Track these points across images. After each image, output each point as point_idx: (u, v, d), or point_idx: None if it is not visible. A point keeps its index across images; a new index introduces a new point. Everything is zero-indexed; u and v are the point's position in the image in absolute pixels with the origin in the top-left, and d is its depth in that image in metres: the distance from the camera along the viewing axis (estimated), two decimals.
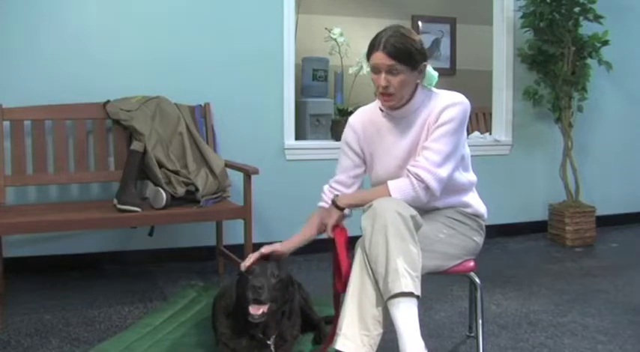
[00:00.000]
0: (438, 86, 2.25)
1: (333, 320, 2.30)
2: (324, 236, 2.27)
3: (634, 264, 3.82)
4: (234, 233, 3.53)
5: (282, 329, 2.14)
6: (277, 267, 2.10)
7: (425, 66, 2.12)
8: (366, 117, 2.27)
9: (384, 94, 2.09)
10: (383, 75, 2.05)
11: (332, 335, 2.21)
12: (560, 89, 4.24)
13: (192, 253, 3.75)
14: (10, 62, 3.34)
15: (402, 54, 2.03)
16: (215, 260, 3.62)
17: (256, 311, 1.99)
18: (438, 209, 2.21)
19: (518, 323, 2.76)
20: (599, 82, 4.50)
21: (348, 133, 2.30)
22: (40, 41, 3.38)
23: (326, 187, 2.34)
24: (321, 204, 2.33)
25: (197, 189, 3.17)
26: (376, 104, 2.25)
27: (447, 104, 2.09)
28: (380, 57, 2.04)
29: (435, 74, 2.20)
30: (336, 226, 2.17)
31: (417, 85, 2.13)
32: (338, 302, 2.20)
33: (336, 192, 2.28)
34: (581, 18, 4.18)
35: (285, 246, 2.25)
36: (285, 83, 3.88)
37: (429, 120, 2.12)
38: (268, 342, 2.11)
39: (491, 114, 4.70)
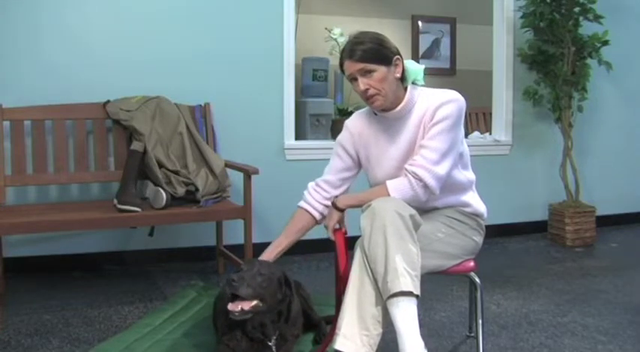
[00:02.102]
0: (437, 86, 2.25)
1: (332, 320, 2.30)
2: (323, 236, 2.26)
3: (634, 263, 3.82)
4: (234, 233, 3.53)
5: (282, 329, 2.13)
6: (268, 266, 2.07)
7: (398, 59, 2.11)
8: (363, 120, 2.27)
9: (369, 98, 2.10)
10: (359, 80, 2.07)
11: (331, 335, 2.21)
12: (560, 89, 4.24)
13: (192, 253, 3.75)
14: (11, 62, 3.35)
15: (369, 54, 2.05)
16: (215, 260, 3.62)
17: (234, 307, 1.95)
18: (437, 208, 2.21)
19: (518, 323, 2.76)
20: (599, 82, 4.50)
21: (344, 135, 2.31)
22: (41, 41, 3.38)
23: (311, 185, 2.34)
24: (301, 204, 2.32)
25: (197, 189, 3.17)
26: (371, 108, 2.25)
27: (442, 102, 2.09)
28: (349, 65, 2.08)
29: (421, 68, 2.18)
30: (337, 229, 2.17)
31: (400, 81, 2.12)
32: (340, 302, 2.21)
33: (322, 192, 2.29)
34: (581, 18, 4.18)
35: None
36: (285, 83, 3.88)
37: (424, 118, 2.12)
38: (269, 343, 2.10)
39: (491, 114, 4.70)
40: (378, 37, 2.11)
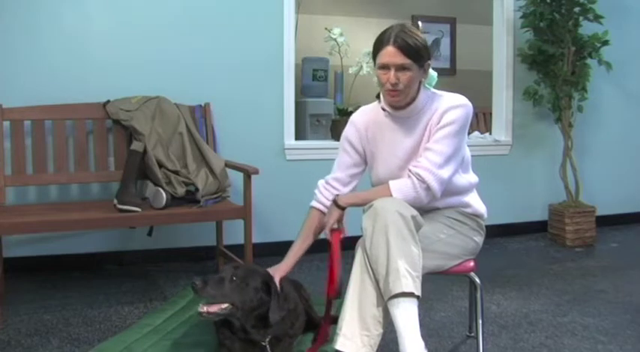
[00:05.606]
0: (438, 87, 2.25)
1: (322, 321, 2.30)
2: (324, 236, 2.26)
3: (634, 264, 3.82)
4: (234, 233, 3.52)
5: (277, 330, 2.11)
6: (246, 271, 2.06)
7: (429, 65, 2.12)
8: (369, 116, 2.27)
9: (392, 91, 2.08)
10: (392, 72, 2.05)
11: (321, 336, 2.22)
12: (560, 89, 4.24)
13: (192, 253, 3.75)
14: (10, 62, 3.34)
15: (412, 50, 2.03)
16: (215, 260, 3.62)
17: (201, 308, 1.98)
18: (438, 209, 2.22)
19: (518, 323, 2.76)
20: (599, 82, 4.50)
21: (350, 131, 2.29)
22: (40, 41, 3.38)
23: (321, 183, 2.32)
24: (314, 204, 2.30)
25: (197, 189, 3.17)
26: (378, 104, 2.25)
27: (450, 106, 2.10)
28: (391, 52, 2.03)
29: (435, 74, 2.21)
30: (335, 229, 2.16)
31: (420, 84, 2.14)
32: (330, 304, 2.20)
33: (333, 190, 2.27)
34: (581, 18, 4.18)
35: (281, 271, 2.22)
36: (285, 83, 3.88)
37: (431, 121, 2.13)
38: (263, 343, 2.09)
39: (491, 114, 4.70)
40: (423, 37, 2.09)
